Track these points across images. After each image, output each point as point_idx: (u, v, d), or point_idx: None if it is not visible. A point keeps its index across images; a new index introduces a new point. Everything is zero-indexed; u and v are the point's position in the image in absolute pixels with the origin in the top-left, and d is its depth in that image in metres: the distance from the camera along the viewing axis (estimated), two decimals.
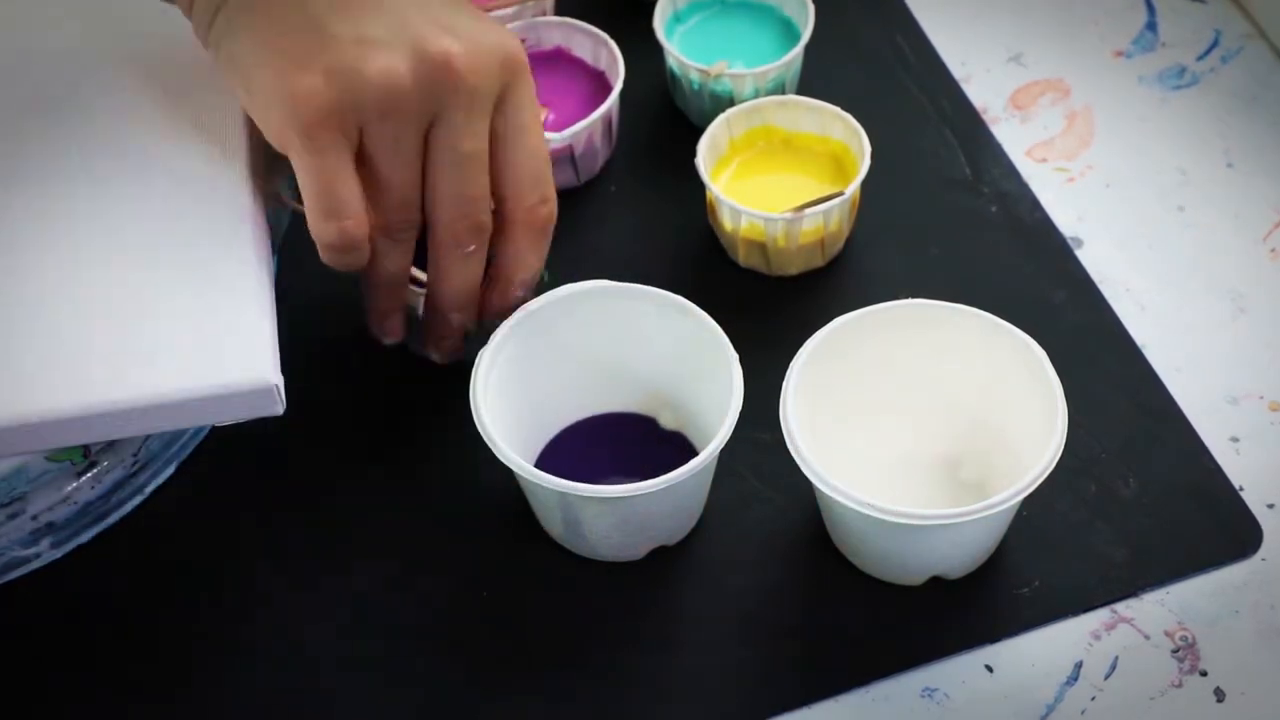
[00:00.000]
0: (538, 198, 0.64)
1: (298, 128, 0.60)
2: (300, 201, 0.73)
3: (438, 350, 0.69)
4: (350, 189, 0.61)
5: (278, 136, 0.62)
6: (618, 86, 0.79)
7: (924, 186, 0.81)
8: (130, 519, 0.70)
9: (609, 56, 0.81)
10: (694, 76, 0.80)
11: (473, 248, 0.64)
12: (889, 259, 0.78)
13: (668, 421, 0.72)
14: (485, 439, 0.65)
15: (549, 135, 0.78)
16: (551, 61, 0.82)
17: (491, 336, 0.68)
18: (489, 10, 0.82)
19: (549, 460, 0.71)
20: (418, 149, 0.61)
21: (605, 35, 0.81)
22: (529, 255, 0.66)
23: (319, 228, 0.62)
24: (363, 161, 0.62)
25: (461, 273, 0.65)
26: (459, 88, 0.60)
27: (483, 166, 0.62)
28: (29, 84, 0.70)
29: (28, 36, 0.72)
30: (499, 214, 0.65)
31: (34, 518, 0.67)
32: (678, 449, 0.71)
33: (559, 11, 0.85)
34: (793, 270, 0.77)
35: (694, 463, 0.64)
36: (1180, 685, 0.66)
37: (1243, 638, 0.67)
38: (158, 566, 0.70)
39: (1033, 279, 0.77)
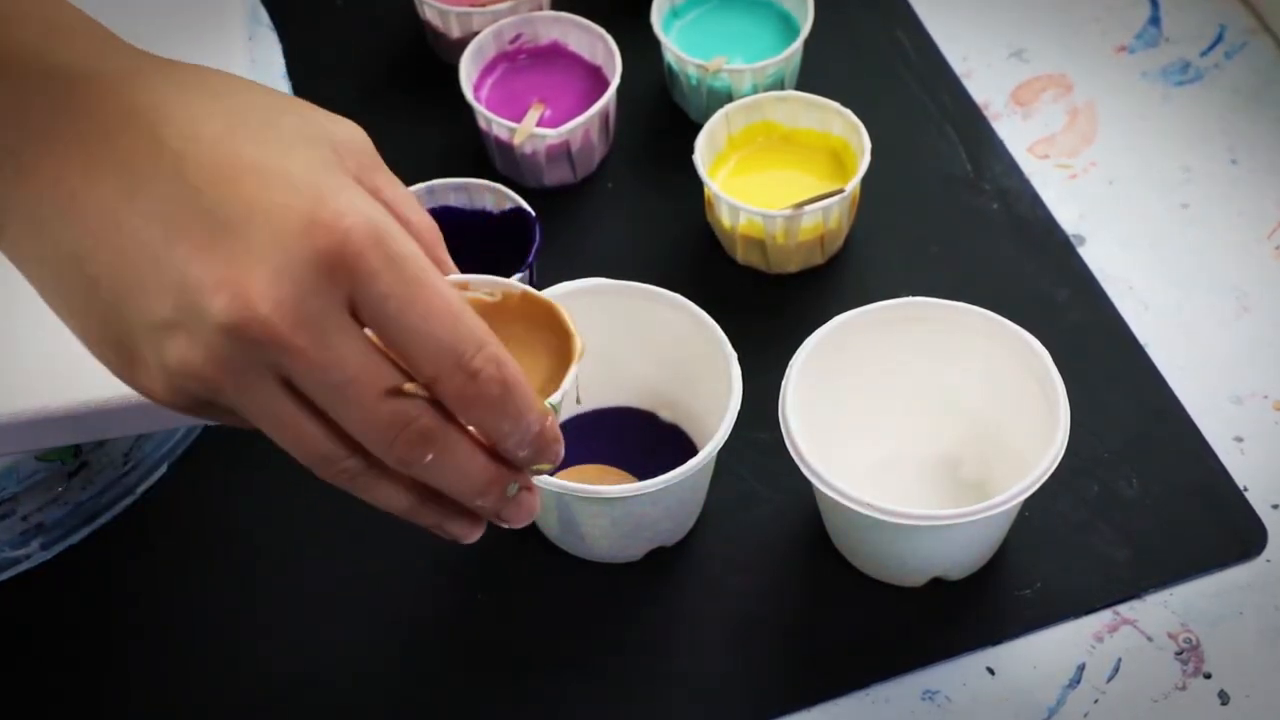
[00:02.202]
0: (458, 368, 0.48)
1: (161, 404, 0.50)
2: None
3: (505, 522, 0.53)
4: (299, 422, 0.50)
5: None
6: (615, 82, 0.78)
7: (924, 183, 0.80)
8: (121, 520, 0.70)
9: (606, 51, 0.80)
10: (692, 72, 0.80)
11: (430, 456, 0.49)
12: (889, 256, 0.78)
13: (667, 417, 0.72)
14: None
15: (546, 131, 0.77)
16: (548, 57, 0.82)
17: None
18: (484, 7, 0.82)
19: None
20: (283, 408, 0.49)
21: (602, 30, 0.80)
22: (499, 425, 0.50)
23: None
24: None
25: (444, 476, 0.50)
26: (280, 342, 0.47)
27: (372, 379, 0.48)
28: None
29: None
30: (436, 394, 0.50)
31: (24, 518, 0.67)
32: (677, 444, 0.71)
33: (556, 6, 0.85)
34: (792, 268, 0.77)
35: (691, 463, 0.64)
36: (1184, 688, 0.65)
37: (1247, 640, 0.66)
38: (150, 568, 0.70)
39: (1034, 277, 0.77)
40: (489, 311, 0.55)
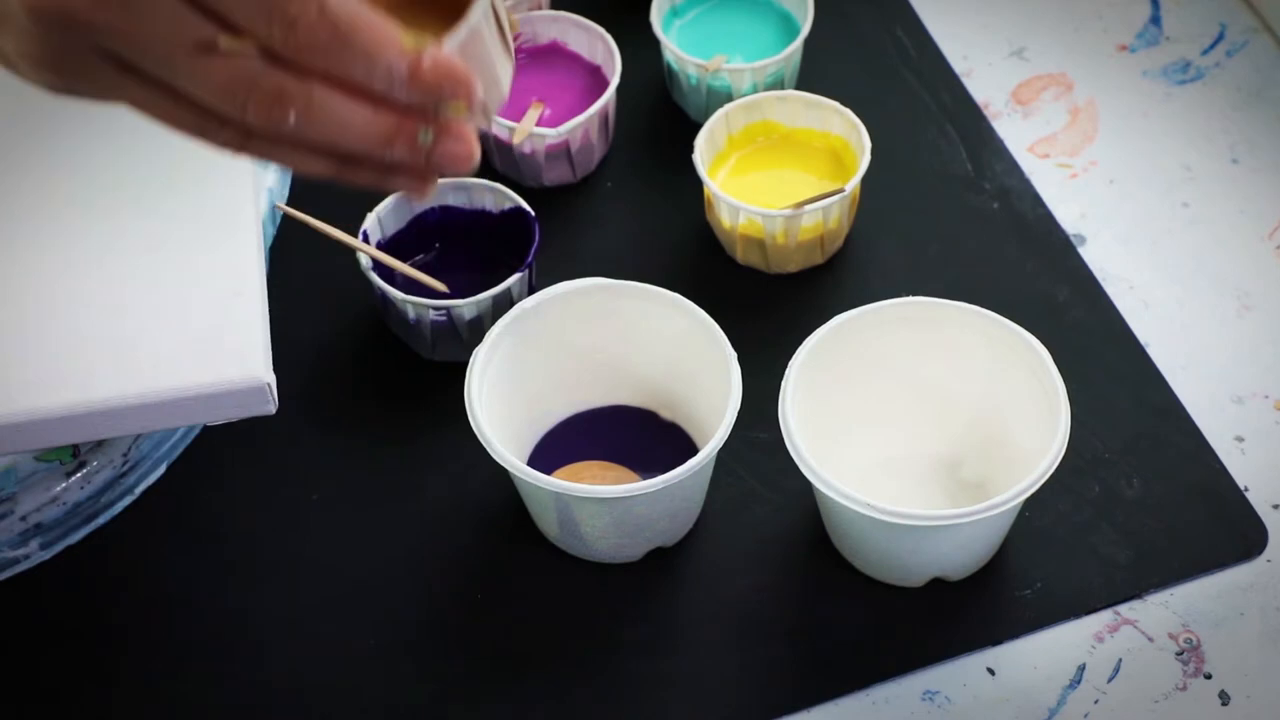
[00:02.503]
0: (273, 19, 0.45)
1: (52, 86, 0.49)
2: (289, 205, 0.73)
3: (439, 173, 0.49)
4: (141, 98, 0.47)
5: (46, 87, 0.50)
6: (614, 82, 0.78)
7: (925, 183, 0.80)
8: (120, 520, 0.70)
9: (605, 51, 0.80)
10: (692, 71, 0.80)
11: (292, 115, 0.46)
12: (889, 256, 0.78)
13: (667, 416, 0.72)
14: (481, 440, 0.64)
15: (546, 130, 0.77)
16: (547, 56, 0.82)
17: (488, 334, 0.67)
18: None
19: (546, 453, 0.71)
20: (137, 89, 0.47)
21: (602, 30, 0.80)
22: (349, 70, 0.46)
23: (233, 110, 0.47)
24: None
25: (327, 136, 0.47)
26: (86, 21, 0.46)
27: (187, 38, 0.45)
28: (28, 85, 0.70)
29: None
30: (269, 53, 0.46)
31: (23, 518, 0.67)
32: (676, 442, 0.71)
33: (555, 6, 0.85)
34: (792, 267, 0.77)
35: (691, 463, 0.64)
36: (1185, 688, 0.65)
37: (1248, 640, 0.66)
38: (148, 568, 0.69)
39: (1035, 276, 0.77)
40: None
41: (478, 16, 0.48)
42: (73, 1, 0.45)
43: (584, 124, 0.78)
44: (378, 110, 0.47)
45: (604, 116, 0.79)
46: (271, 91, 0.46)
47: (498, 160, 0.80)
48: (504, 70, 0.50)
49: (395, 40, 0.46)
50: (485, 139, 0.80)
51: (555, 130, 0.77)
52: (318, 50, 0.46)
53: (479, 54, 0.49)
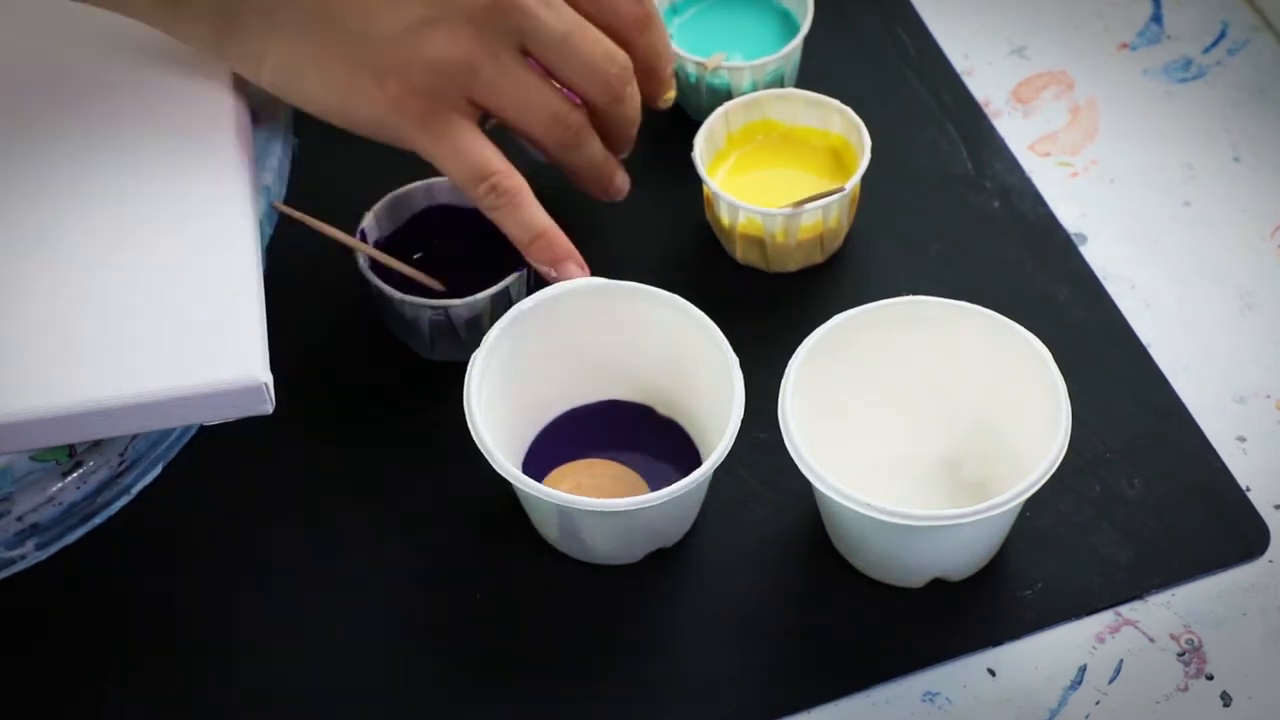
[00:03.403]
0: (632, 10, 0.69)
1: (408, 133, 0.65)
2: (286, 204, 0.73)
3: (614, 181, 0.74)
4: (481, 150, 0.66)
5: (397, 143, 0.67)
6: None
7: (925, 181, 0.80)
8: (117, 520, 0.70)
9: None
10: (691, 69, 0.80)
11: (629, 87, 0.68)
12: (889, 255, 0.77)
13: (663, 411, 0.71)
14: (483, 451, 0.64)
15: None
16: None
17: (485, 338, 0.67)
18: None
19: (543, 450, 0.71)
20: (522, 72, 0.65)
21: None
22: (659, 42, 0.71)
23: (475, 194, 0.67)
24: (492, 113, 0.67)
25: (632, 112, 0.70)
26: (524, 6, 0.64)
27: (584, 26, 0.66)
28: (24, 83, 0.70)
29: (26, 38, 0.72)
30: (613, 36, 0.69)
31: (19, 519, 0.67)
32: (675, 437, 0.71)
33: None
34: (791, 266, 0.76)
35: (696, 474, 0.64)
36: (1186, 689, 0.65)
37: (1250, 641, 0.66)
38: (145, 568, 0.69)
39: (1035, 275, 0.76)
40: None
41: None
42: (473, 59, 0.65)
43: None
44: None
45: None
46: (625, 68, 0.69)
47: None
48: None
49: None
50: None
51: None
52: (645, 28, 0.71)
53: None
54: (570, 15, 0.66)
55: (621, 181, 0.73)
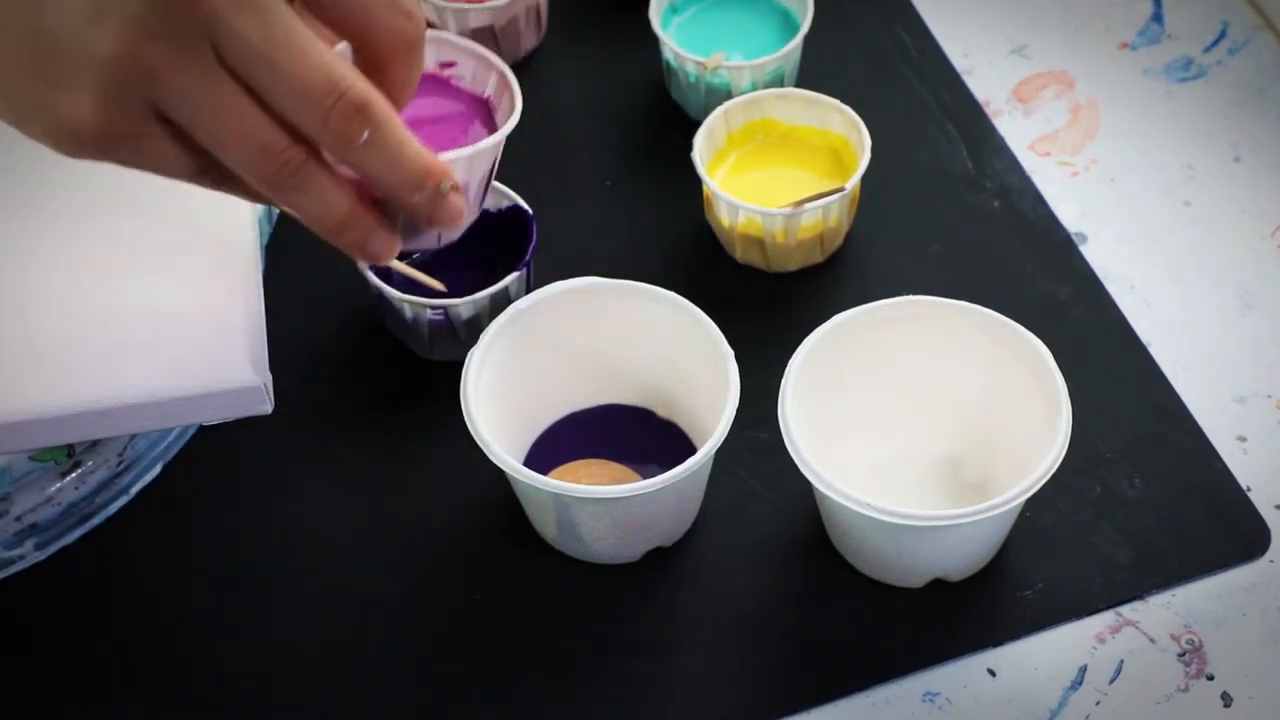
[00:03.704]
0: (389, 11, 0.50)
1: (99, 152, 0.50)
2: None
3: (435, 226, 0.54)
4: (175, 162, 0.50)
5: (86, 156, 0.50)
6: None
7: (925, 181, 0.80)
8: (115, 520, 0.70)
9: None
10: (691, 69, 0.79)
11: (366, 132, 0.49)
12: (889, 255, 0.77)
13: (663, 414, 0.71)
14: (478, 441, 0.64)
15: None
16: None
17: (482, 335, 0.67)
18: (481, 4, 0.81)
19: (542, 452, 0.70)
20: (223, 88, 0.48)
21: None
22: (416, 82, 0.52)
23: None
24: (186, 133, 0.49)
25: (383, 161, 0.50)
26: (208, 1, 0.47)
27: (301, 45, 0.48)
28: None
29: None
30: (360, 54, 0.52)
31: (18, 519, 0.67)
32: (674, 440, 0.71)
33: (554, 3, 0.85)
34: (791, 266, 0.76)
35: (690, 462, 0.63)
36: (1187, 689, 0.65)
37: (1250, 641, 0.66)
38: (144, 568, 0.69)
39: (1036, 275, 0.76)
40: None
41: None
42: (152, 60, 0.47)
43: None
44: (425, 150, 0.51)
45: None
46: (359, 102, 0.49)
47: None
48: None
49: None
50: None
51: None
52: (402, 54, 0.52)
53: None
54: (285, 23, 0.48)
55: (380, 246, 0.53)
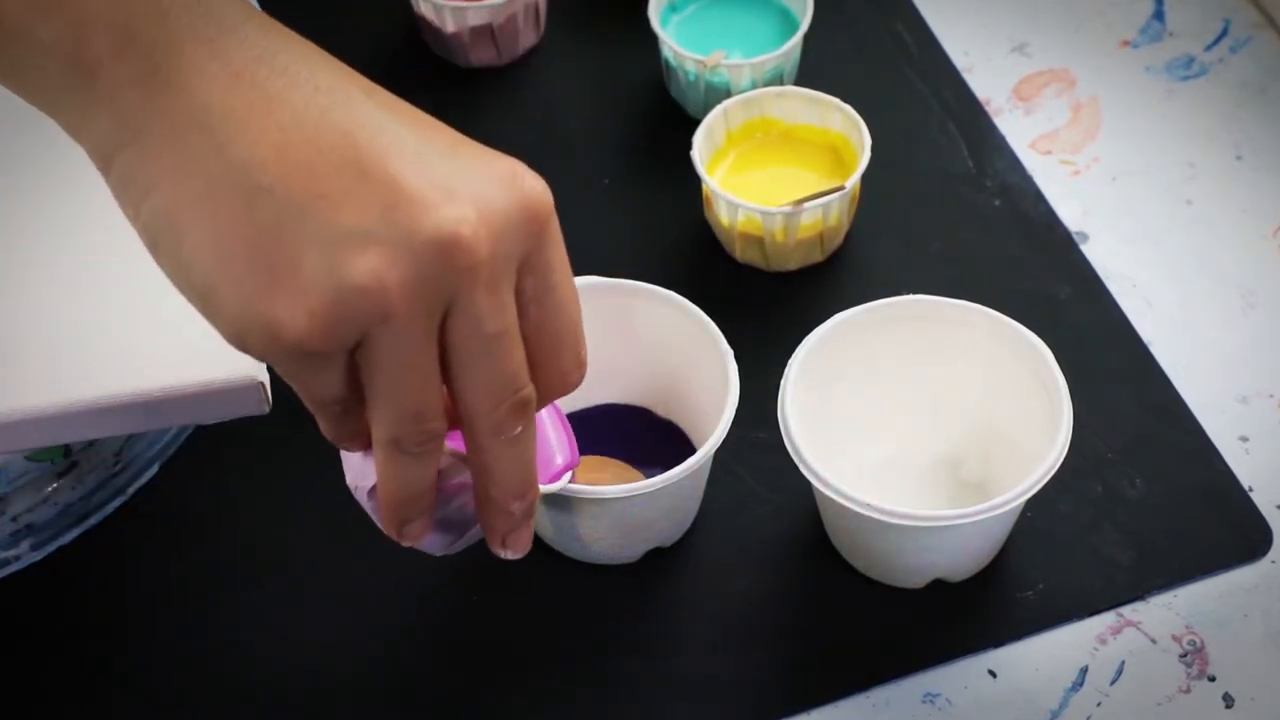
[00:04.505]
0: (572, 361, 0.53)
1: (277, 356, 0.48)
2: None
3: (507, 548, 0.56)
4: (328, 389, 0.50)
5: (254, 354, 0.49)
6: None
7: (925, 180, 0.80)
8: (112, 520, 0.70)
9: None
10: (690, 67, 0.79)
11: (520, 429, 0.51)
12: (889, 254, 0.77)
13: (662, 413, 0.71)
14: None
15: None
16: None
17: None
18: (479, 2, 0.81)
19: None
20: (428, 351, 0.49)
21: None
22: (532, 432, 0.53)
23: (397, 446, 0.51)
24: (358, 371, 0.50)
25: (514, 458, 0.52)
26: (475, 269, 0.47)
27: (515, 340, 0.50)
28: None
29: None
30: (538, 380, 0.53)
31: (14, 519, 0.67)
32: (674, 441, 0.70)
33: (551, 6, 0.85)
34: (791, 265, 0.76)
35: (690, 462, 0.63)
36: (1188, 691, 0.65)
37: (1252, 642, 0.66)
38: (141, 568, 0.69)
39: (1036, 274, 0.76)
40: None
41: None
42: (479, 253, 0.47)
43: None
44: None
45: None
46: (527, 401, 0.51)
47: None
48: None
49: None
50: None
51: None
52: (561, 393, 0.54)
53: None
54: (509, 315, 0.49)
55: (413, 534, 0.54)
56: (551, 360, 0.52)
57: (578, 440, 0.70)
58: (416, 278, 0.47)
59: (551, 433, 0.61)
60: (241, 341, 0.49)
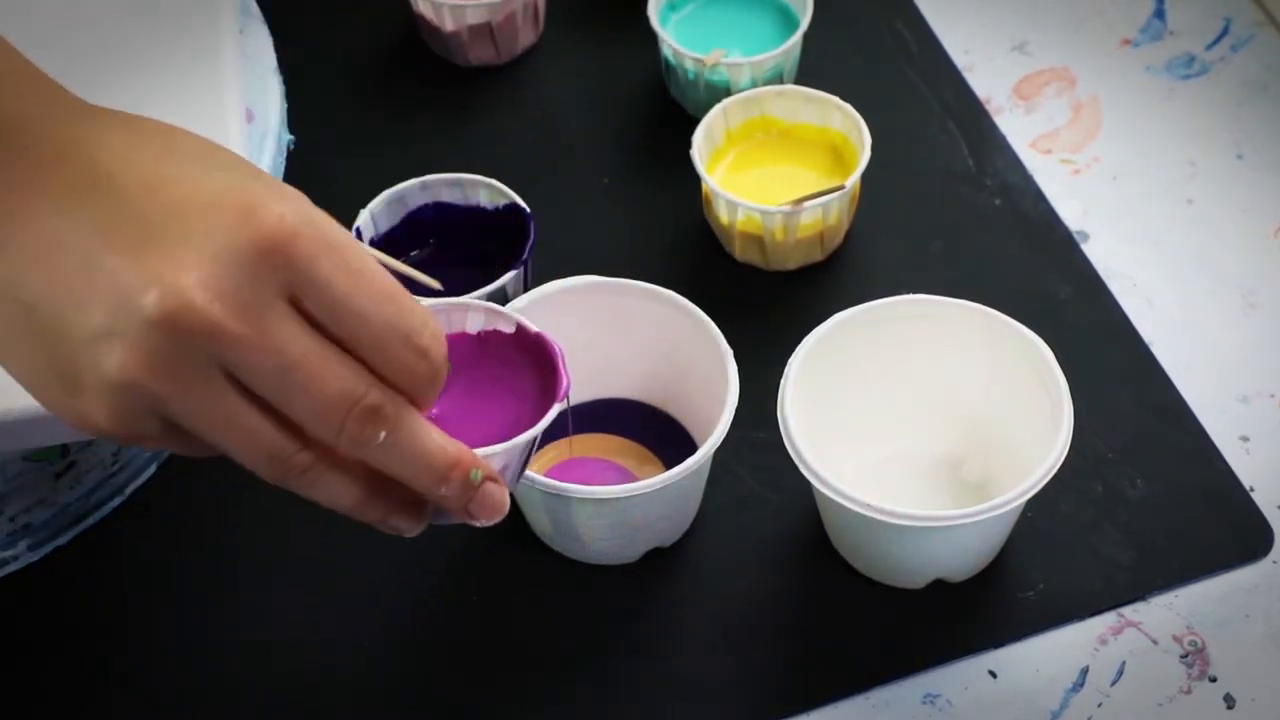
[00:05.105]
0: (410, 354, 0.49)
1: (103, 435, 0.49)
2: None
3: (476, 518, 0.53)
4: (190, 449, 0.50)
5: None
6: None
7: (925, 179, 0.80)
8: (110, 520, 0.70)
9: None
10: (689, 66, 0.79)
11: (383, 434, 0.49)
12: (889, 253, 0.77)
13: (663, 409, 0.71)
14: None
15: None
16: None
17: None
18: (478, 0, 0.81)
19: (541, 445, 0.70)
20: (231, 404, 0.48)
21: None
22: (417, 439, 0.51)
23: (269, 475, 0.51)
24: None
25: (402, 458, 0.50)
26: (216, 332, 0.46)
27: (318, 363, 0.48)
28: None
29: (20, 40, 0.72)
30: (384, 377, 0.50)
31: (11, 519, 0.67)
32: (673, 439, 0.70)
33: (550, 4, 0.84)
34: (791, 265, 0.76)
35: (689, 462, 0.63)
36: (1189, 691, 0.65)
37: (1253, 642, 0.66)
38: (138, 569, 0.69)
39: (1037, 274, 0.76)
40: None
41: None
42: (211, 314, 0.46)
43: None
44: (448, 441, 0.51)
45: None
46: (373, 408, 0.49)
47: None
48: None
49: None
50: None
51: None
52: (434, 382, 0.50)
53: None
54: (293, 350, 0.48)
55: (402, 525, 0.53)
56: (387, 362, 0.49)
57: (577, 432, 0.71)
58: (164, 359, 0.47)
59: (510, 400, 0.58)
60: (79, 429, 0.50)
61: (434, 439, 0.50)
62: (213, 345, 0.47)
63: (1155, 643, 0.66)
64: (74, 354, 0.47)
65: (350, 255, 0.49)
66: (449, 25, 0.82)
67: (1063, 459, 0.62)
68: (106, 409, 0.47)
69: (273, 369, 0.47)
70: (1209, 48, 0.85)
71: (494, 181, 0.74)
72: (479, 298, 0.70)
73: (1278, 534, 0.68)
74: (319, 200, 0.73)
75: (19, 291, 0.47)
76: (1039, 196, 0.79)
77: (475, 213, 0.75)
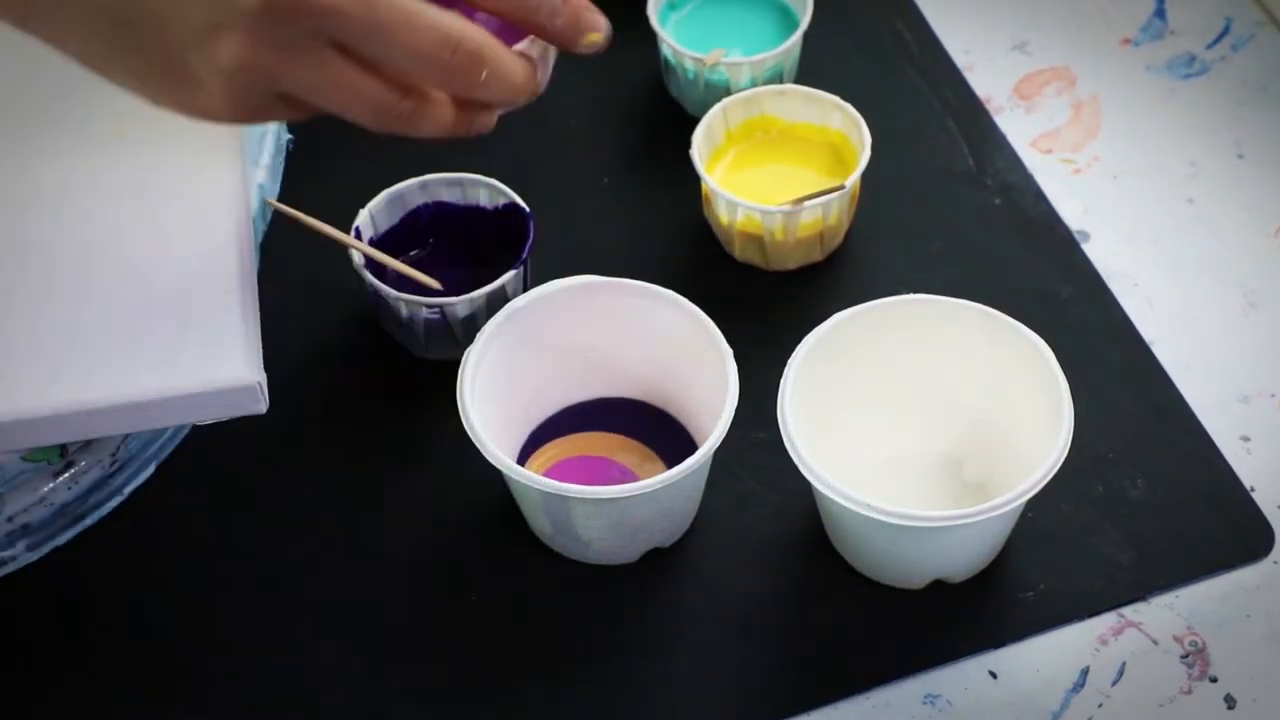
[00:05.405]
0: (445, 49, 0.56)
1: (226, 123, 0.57)
2: (280, 201, 0.72)
3: (585, 33, 0.60)
4: (302, 115, 0.57)
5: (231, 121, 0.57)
6: None
7: (926, 178, 0.80)
8: (108, 521, 0.69)
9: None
10: (689, 65, 0.79)
11: (485, 73, 0.56)
12: (889, 253, 0.77)
13: (662, 408, 0.71)
14: (474, 441, 0.64)
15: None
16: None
17: (479, 334, 0.67)
18: None
19: (538, 447, 0.70)
20: (339, 68, 0.54)
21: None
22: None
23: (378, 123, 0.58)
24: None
25: (495, 92, 0.57)
26: (319, 6, 0.53)
27: (406, 7, 0.54)
28: (16, 82, 0.70)
29: (29, 45, 0.72)
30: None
31: (10, 519, 0.67)
32: (673, 438, 0.70)
33: None
34: (790, 264, 0.76)
35: (689, 462, 0.63)
36: (1190, 692, 0.64)
37: (1254, 643, 0.66)
38: (137, 569, 0.69)
39: (1037, 273, 0.76)
40: None
41: None
42: (269, 64, 0.53)
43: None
44: (527, 60, 0.58)
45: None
46: (472, 51, 0.55)
47: None
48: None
49: None
50: None
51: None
52: None
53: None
54: (384, 8, 0.54)
55: (487, 121, 0.60)
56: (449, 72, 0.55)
57: (577, 430, 0.70)
58: (273, 39, 0.53)
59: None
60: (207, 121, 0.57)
61: (518, 65, 0.57)
62: (314, 18, 0.53)
63: (1156, 643, 0.66)
64: (183, 54, 0.54)
65: None
66: None
67: (1063, 459, 0.62)
68: (226, 94, 0.54)
69: (374, 28, 0.53)
70: (1209, 47, 0.85)
71: (493, 181, 0.74)
72: (478, 298, 0.70)
73: (1278, 534, 0.68)
74: (319, 200, 0.74)
75: (115, 13, 0.54)
76: (1039, 196, 0.79)
77: (475, 212, 0.75)
